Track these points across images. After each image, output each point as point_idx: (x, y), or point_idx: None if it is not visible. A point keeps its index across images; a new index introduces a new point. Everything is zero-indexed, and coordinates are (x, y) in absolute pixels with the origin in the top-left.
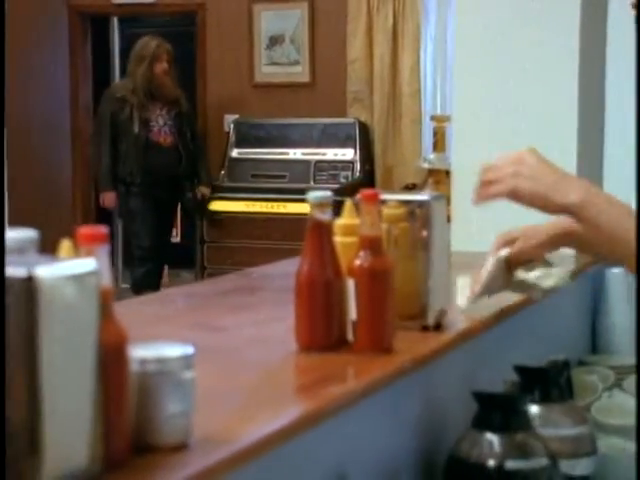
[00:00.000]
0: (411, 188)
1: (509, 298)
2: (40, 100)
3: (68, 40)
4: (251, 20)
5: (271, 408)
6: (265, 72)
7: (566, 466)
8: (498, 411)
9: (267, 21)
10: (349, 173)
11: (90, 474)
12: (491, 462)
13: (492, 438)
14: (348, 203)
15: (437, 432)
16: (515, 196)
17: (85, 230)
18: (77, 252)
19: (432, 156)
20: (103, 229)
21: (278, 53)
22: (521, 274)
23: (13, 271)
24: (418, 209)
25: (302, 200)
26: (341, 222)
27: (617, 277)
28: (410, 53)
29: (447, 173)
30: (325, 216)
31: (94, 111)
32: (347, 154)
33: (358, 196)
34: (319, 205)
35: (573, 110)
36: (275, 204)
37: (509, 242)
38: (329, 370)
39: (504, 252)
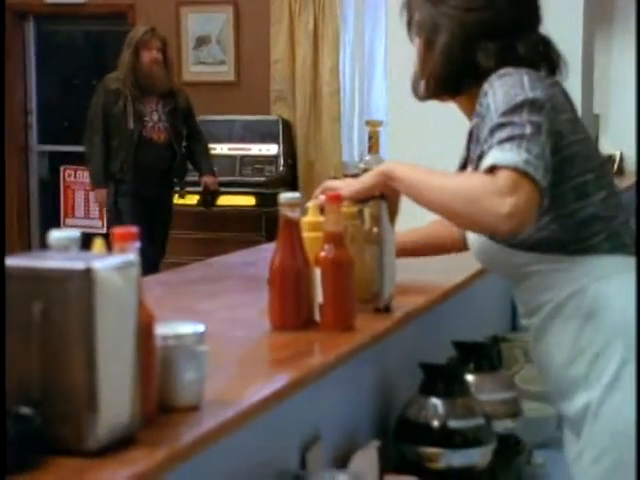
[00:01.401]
0: None
1: (447, 282)
2: None
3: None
4: (179, 22)
5: (260, 377)
6: (192, 71)
7: (497, 425)
8: (441, 379)
9: (194, 23)
10: (273, 167)
11: (130, 428)
12: (435, 422)
13: (436, 402)
14: (313, 203)
15: (389, 397)
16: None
17: (119, 230)
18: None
19: (368, 157)
20: (134, 229)
21: (205, 53)
22: None
23: (73, 264)
24: (370, 209)
25: (229, 193)
26: (308, 219)
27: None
28: (330, 55)
29: None
30: (294, 214)
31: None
32: (271, 149)
33: (322, 197)
34: (289, 205)
35: None
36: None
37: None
38: (301, 346)
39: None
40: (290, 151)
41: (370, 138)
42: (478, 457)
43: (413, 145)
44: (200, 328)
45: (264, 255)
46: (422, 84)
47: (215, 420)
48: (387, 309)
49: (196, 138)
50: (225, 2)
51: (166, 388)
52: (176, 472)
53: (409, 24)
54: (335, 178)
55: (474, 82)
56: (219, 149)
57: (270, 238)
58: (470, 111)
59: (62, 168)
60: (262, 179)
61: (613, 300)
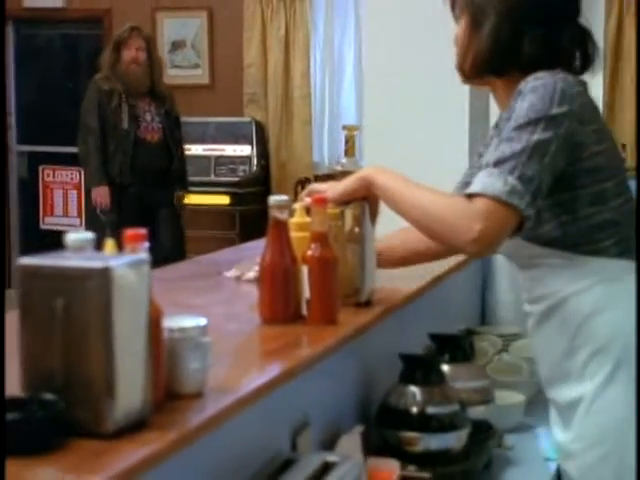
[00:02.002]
0: (303, 182)
1: (422, 279)
2: None
3: None
4: (154, 26)
5: (254, 367)
6: (168, 74)
7: (471, 411)
8: (419, 369)
9: (169, 27)
10: (247, 167)
11: (143, 413)
12: (414, 409)
13: (415, 390)
14: (299, 205)
15: (371, 386)
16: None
17: (130, 232)
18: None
19: (344, 160)
20: (143, 231)
21: (180, 57)
22: None
23: (91, 263)
24: (352, 210)
25: (203, 192)
26: (295, 220)
27: (502, 261)
28: (300, 60)
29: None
30: (283, 216)
31: None
32: (244, 150)
33: (308, 199)
34: (278, 207)
35: (464, 126)
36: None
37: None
38: (290, 338)
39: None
40: (263, 152)
41: (346, 142)
42: (454, 441)
43: (388, 147)
44: (202, 321)
45: (248, 253)
46: (468, 63)
47: (217, 406)
48: (368, 303)
49: (179, 145)
50: (200, 8)
51: (173, 377)
52: (183, 453)
53: (453, 4)
54: (307, 179)
55: (516, 68)
56: (194, 150)
57: (243, 235)
58: (504, 99)
59: (41, 168)
60: (236, 179)
61: (616, 302)
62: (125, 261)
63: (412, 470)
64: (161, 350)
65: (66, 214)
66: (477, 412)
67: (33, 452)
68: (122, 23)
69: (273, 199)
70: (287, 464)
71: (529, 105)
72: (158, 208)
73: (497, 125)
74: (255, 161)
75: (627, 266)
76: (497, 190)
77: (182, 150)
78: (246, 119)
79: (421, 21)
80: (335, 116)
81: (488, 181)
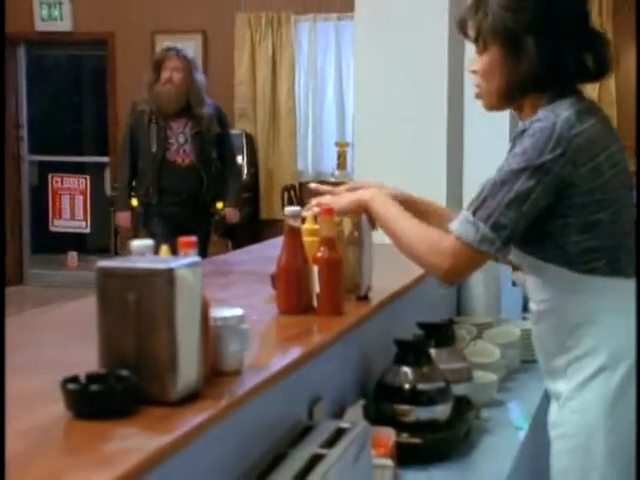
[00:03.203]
0: (290, 189)
1: (408, 277)
2: None
3: None
4: (153, 47)
5: (278, 350)
6: None
7: (454, 388)
8: (410, 352)
9: None
10: None
11: (197, 386)
12: (407, 385)
13: (407, 370)
14: (309, 214)
15: (370, 367)
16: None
17: (183, 239)
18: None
19: (337, 172)
20: (194, 238)
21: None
22: None
23: (157, 265)
24: (351, 217)
25: None
26: (306, 227)
27: None
28: (286, 78)
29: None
30: (297, 223)
31: None
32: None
33: (317, 209)
34: (292, 216)
35: (442, 140)
36: None
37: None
38: (304, 327)
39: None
40: (253, 161)
41: (339, 157)
42: (440, 412)
43: (375, 161)
44: (240, 312)
45: (254, 255)
46: (505, 88)
47: (254, 381)
48: (366, 297)
49: (228, 164)
50: (195, 31)
51: (217, 357)
52: (229, 419)
53: (477, 37)
54: (293, 187)
55: (561, 83)
56: None
57: (235, 238)
58: (530, 115)
59: (50, 175)
60: None
61: (603, 316)
62: (184, 263)
63: (405, 437)
64: (209, 335)
65: (73, 217)
66: (458, 389)
67: (113, 416)
68: (124, 45)
69: (288, 210)
70: (306, 430)
71: (522, 152)
72: (189, 229)
73: (514, 140)
74: (246, 169)
75: (617, 284)
76: (470, 238)
77: (222, 170)
78: (237, 131)
79: (407, 47)
80: (317, 129)
81: (463, 228)
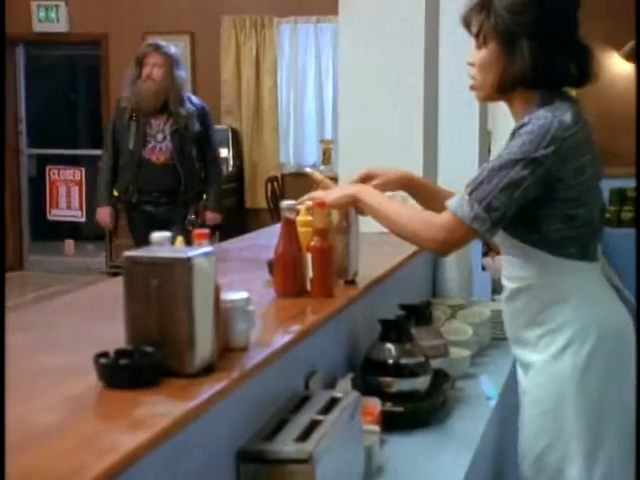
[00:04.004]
0: (273, 180)
1: (390, 263)
2: None
3: None
4: None
5: (279, 329)
6: None
7: (432, 363)
8: (393, 330)
9: None
10: (224, 167)
11: (211, 360)
12: (390, 360)
13: (391, 346)
14: (303, 207)
15: (358, 343)
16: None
17: (198, 231)
18: (188, 243)
19: (322, 167)
20: (207, 230)
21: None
22: None
23: (177, 254)
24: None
25: None
26: (300, 219)
27: None
28: (269, 77)
29: (332, 180)
30: (292, 215)
31: None
32: (222, 153)
33: (311, 204)
34: (288, 209)
35: (419, 137)
36: None
37: (366, 178)
38: (299, 308)
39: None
40: (238, 154)
41: (324, 153)
42: (419, 384)
43: (358, 156)
44: (246, 295)
45: (249, 243)
46: (498, 81)
47: (260, 356)
48: (353, 281)
49: (209, 164)
50: (183, 32)
51: (227, 335)
52: (240, 389)
53: (478, 32)
54: (276, 178)
55: (548, 83)
56: None
57: (222, 224)
58: (520, 110)
59: (47, 167)
60: None
61: (572, 296)
62: (200, 252)
63: (389, 406)
64: (220, 315)
65: (69, 207)
66: (436, 363)
67: (140, 387)
68: (117, 45)
69: (285, 203)
70: (304, 399)
71: (520, 144)
72: (168, 227)
73: (513, 133)
74: (231, 162)
75: (585, 267)
76: (464, 215)
77: (207, 171)
78: (223, 126)
79: (389, 47)
80: (298, 124)
81: (459, 205)
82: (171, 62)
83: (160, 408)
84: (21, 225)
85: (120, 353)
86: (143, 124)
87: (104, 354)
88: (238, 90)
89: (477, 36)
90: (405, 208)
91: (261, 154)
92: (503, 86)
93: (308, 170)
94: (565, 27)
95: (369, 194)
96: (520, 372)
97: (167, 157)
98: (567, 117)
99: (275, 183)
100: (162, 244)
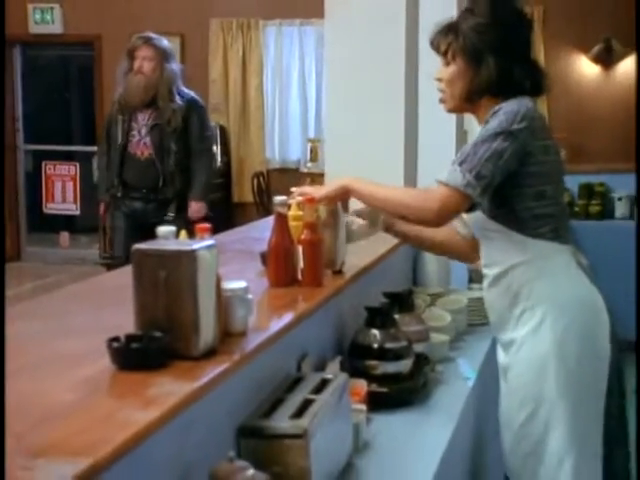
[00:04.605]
0: (259, 175)
1: (374, 255)
2: None
3: None
4: None
5: (274, 315)
6: None
7: (414, 347)
8: (378, 317)
9: None
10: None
11: (214, 344)
12: (375, 345)
13: (376, 332)
14: (294, 202)
15: (346, 329)
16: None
17: (200, 226)
18: (191, 237)
19: (310, 164)
20: (208, 225)
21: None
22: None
23: (183, 247)
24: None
25: None
26: (292, 214)
27: None
28: (255, 77)
29: (319, 176)
30: (284, 210)
31: None
32: None
33: (301, 199)
34: (280, 205)
35: (401, 136)
36: None
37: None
38: (291, 297)
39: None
40: (225, 150)
41: (311, 151)
42: (403, 367)
43: (344, 154)
44: (244, 284)
45: (241, 236)
46: (465, 93)
47: (257, 341)
48: (340, 271)
49: (195, 158)
50: (173, 34)
51: (228, 321)
52: (240, 370)
53: (445, 51)
54: (262, 173)
55: (507, 92)
56: None
57: (211, 219)
58: (483, 116)
59: (44, 163)
60: None
61: (547, 274)
62: (203, 245)
63: (375, 387)
64: (221, 303)
65: (64, 201)
66: (418, 347)
67: (150, 368)
68: (110, 46)
69: (277, 199)
70: (297, 380)
71: (498, 122)
72: (151, 224)
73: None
74: (219, 157)
75: (558, 247)
76: (457, 183)
77: (184, 166)
78: (212, 124)
79: (372, 52)
80: (283, 122)
81: (452, 176)
82: (162, 55)
83: (168, 388)
84: (18, 218)
85: (131, 338)
86: (129, 118)
87: (116, 339)
88: (226, 89)
89: (445, 55)
90: (395, 188)
91: (248, 150)
92: (471, 95)
93: (298, 199)
94: (521, 45)
95: (359, 182)
96: (501, 352)
97: (149, 152)
98: (530, 105)
99: (261, 178)
100: (167, 237)
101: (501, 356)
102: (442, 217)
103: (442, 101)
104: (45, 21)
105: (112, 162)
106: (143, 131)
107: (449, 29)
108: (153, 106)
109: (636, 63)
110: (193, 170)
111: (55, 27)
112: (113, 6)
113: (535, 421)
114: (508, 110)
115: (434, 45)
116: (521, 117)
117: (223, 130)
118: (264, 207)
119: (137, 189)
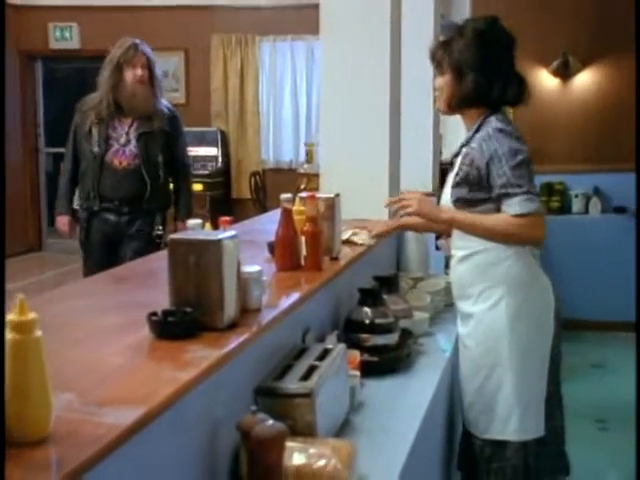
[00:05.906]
0: (255, 174)
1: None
2: None
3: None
4: None
5: (282, 294)
6: None
7: (400, 323)
8: (369, 297)
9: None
10: (214, 164)
11: (235, 318)
12: (367, 320)
13: (367, 310)
14: (298, 199)
15: (341, 307)
16: (417, 213)
17: (223, 218)
18: (215, 228)
19: (306, 166)
20: (230, 218)
21: (164, 84)
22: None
23: (210, 237)
24: (325, 201)
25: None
26: (295, 208)
27: (409, 233)
28: (252, 86)
29: (315, 176)
30: (289, 205)
31: None
32: (212, 151)
33: (304, 195)
34: (286, 201)
35: (386, 140)
36: None
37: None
38: (296, 280)
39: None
40: (225, 152)
41: (307, 154)
42: (390, 339)
43: (338, 158)
44: (259, 268)
45: (248, 229)
46: (454, 101)
47: (270, 316)
48: (337, 258)
49: (178, 171)
50: (178, 48)
51: (245, 299)
52: (257, 341)
53: (440, 63)
54: (258, 173)
55: (485, 103)
56: None
57: (212, 213)
58: (470, 122)
59: (62, 164)
60: (206, 172)
61: (508, 258)
62: (227, 235)
63: (366, 356)
64: (240, 284)
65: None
66: (403, 323)
67: (183, 338)
68: None
69: (283, 196)
70: (302, 350)
71: (509, 149)
72: (129, 238)
73: (466, 154)
74: (220, 159)
75: None
76: (536, 208)
77: (168, 177)
78: (213, 129)
79: (366, 63)
80: (277, 127)
81: (526, 205)
82: (150, 62)
83: (200, 353)
84: (40, 213)
85: (166, 313)
86: (105, 127)
87: (154, 313)
88: (225, 98)
89: (439, 66)
90: (485, 217)
91: (245, 152)
92: (453, 105)
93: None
94: (504, 62)
95: (459, 214)
96: (460, 322)
97: (130, 162)
98: (505, 118)
99: (257, 177)
100: (195, 229)
101: (460, 326)
102: (541, 242)
103: (437, 105)
104: (64, 38)
105: (87, 173)
106: (122, 140)
107: (443, 45)
108: (133, 114)
109: (636, 64)
110: (180, 188)
111: (73, 43)
112: (124, 24)
113: (489, 383)
114: (506, 133)
115: (432, 56)
116: (516, 138)
117: (223, 134)
118: (260, 203)
119: (115, 201)
